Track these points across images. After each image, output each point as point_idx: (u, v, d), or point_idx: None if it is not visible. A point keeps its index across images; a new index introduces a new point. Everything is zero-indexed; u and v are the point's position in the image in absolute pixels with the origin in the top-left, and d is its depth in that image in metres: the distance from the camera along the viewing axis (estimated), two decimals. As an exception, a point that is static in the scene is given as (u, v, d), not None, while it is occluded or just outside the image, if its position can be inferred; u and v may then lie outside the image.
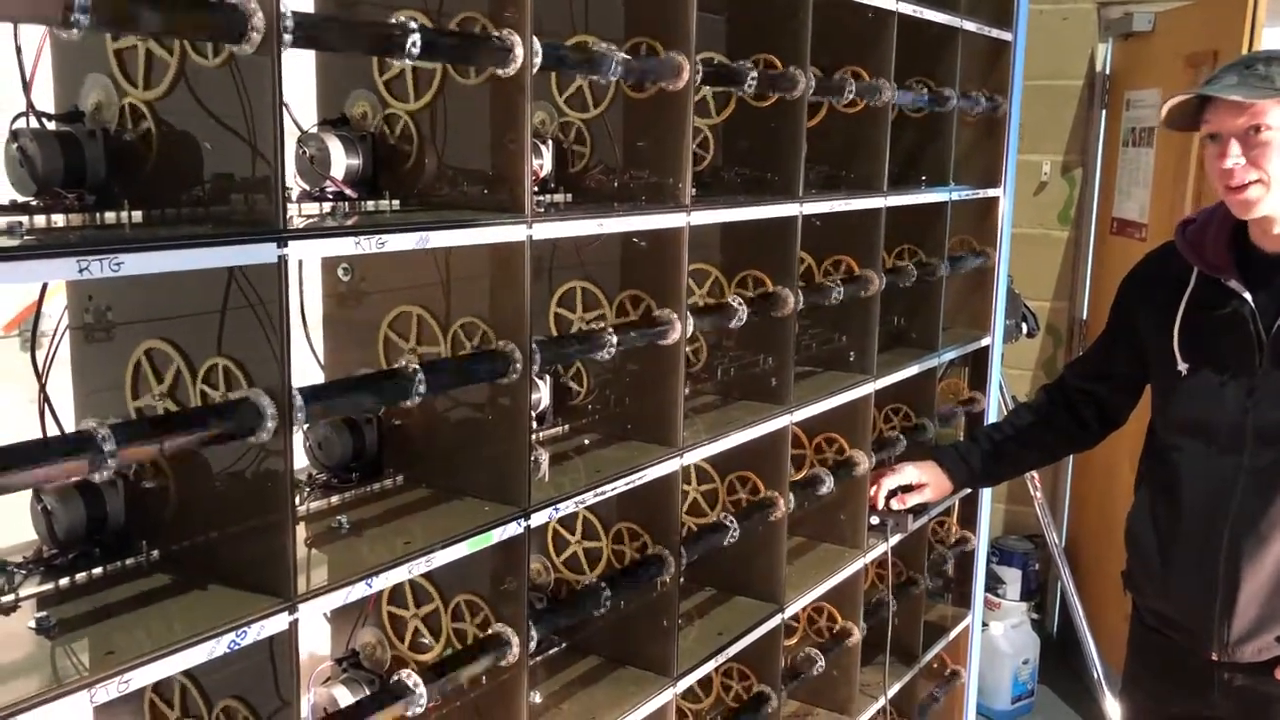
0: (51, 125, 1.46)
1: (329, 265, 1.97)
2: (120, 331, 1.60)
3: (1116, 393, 2.40)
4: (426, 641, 1.95)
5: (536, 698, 1.99)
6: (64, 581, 1.43)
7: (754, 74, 2.17)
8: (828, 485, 2.56)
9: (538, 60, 1.66)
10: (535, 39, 1.65)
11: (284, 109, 1.36)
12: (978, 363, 3.36)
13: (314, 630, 1.97)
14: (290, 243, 1.34)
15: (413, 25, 1.48)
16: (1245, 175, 1.92)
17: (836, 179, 2.68)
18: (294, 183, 1.74)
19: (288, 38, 1.32)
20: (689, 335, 2.06)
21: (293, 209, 1.51)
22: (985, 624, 4.11)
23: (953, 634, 3.38)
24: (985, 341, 3.30)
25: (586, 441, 2.09)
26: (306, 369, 1.90)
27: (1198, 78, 3.64)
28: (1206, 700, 2.13)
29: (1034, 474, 4.19)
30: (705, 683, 2.49)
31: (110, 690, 1.20)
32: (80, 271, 1.15)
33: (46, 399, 1.58)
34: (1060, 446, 2.71)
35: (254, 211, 1.38)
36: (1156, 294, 2.18)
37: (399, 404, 1.60)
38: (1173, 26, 4.11)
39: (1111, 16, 4.44)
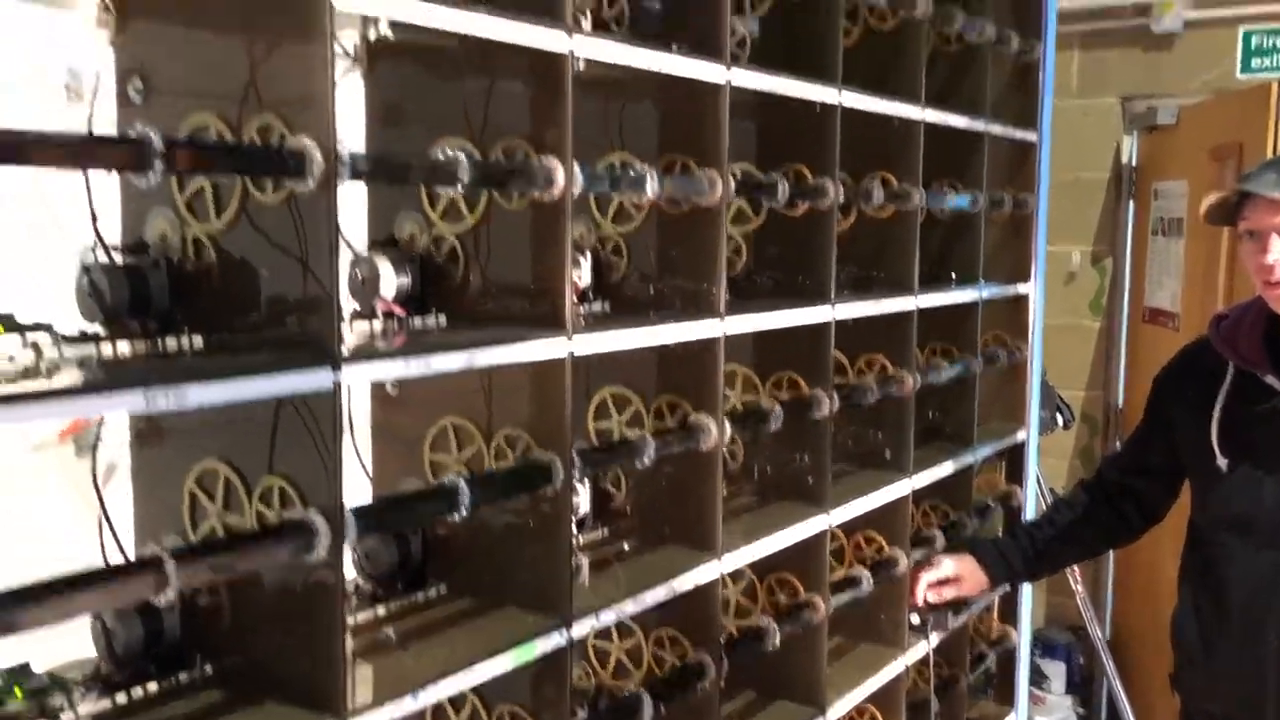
0: (119, 257, 1.54)
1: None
2: (175, 445, 1.66)
3: (1155, 487, 2.39)
4: (469, 751, 1.96)
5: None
6: (121, 699, 1.47)
7: (785, 186, 2.24)
8: (866, 585, 2.56)
9: (578, 186, 1.73)
10: (575, 164, 1.72)
11: (339, 237, 1.43)
12: (1014, 456, 3.36)
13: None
14: (344, 368, 1.40)
15: (461, 159, 1.56)
16: (1284, 271, 1.95)
17: (867, 279, 2.73)
18: (346, 302, 1.80)
19: (344, 174, 1.39)
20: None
21: (345, 328, 1.57)
22: (1030, 720, 4.04)
23: (997, 733, 3.33)
24: (1021, 436, 3.31)
25: (626, 547, 2.12)
26: (352, 473, 1.94)
27: (1223, 170, 3.69)
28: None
29: (1074, 566, 4.15)
30: (747, 788, 2.46)
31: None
32: (147, 404, 1.21)
33: (104, 511, 1.64)
34: (1100, 542, 2.69)
35: (309, 335, 1.44)
36: (1192, 389, 2.20)
37: (445, 518, 1.64)
38: (1197, 120, 4.17)
39: (1136, 110, 4.51)
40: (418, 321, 1.81)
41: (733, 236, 2.50)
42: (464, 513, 1.61)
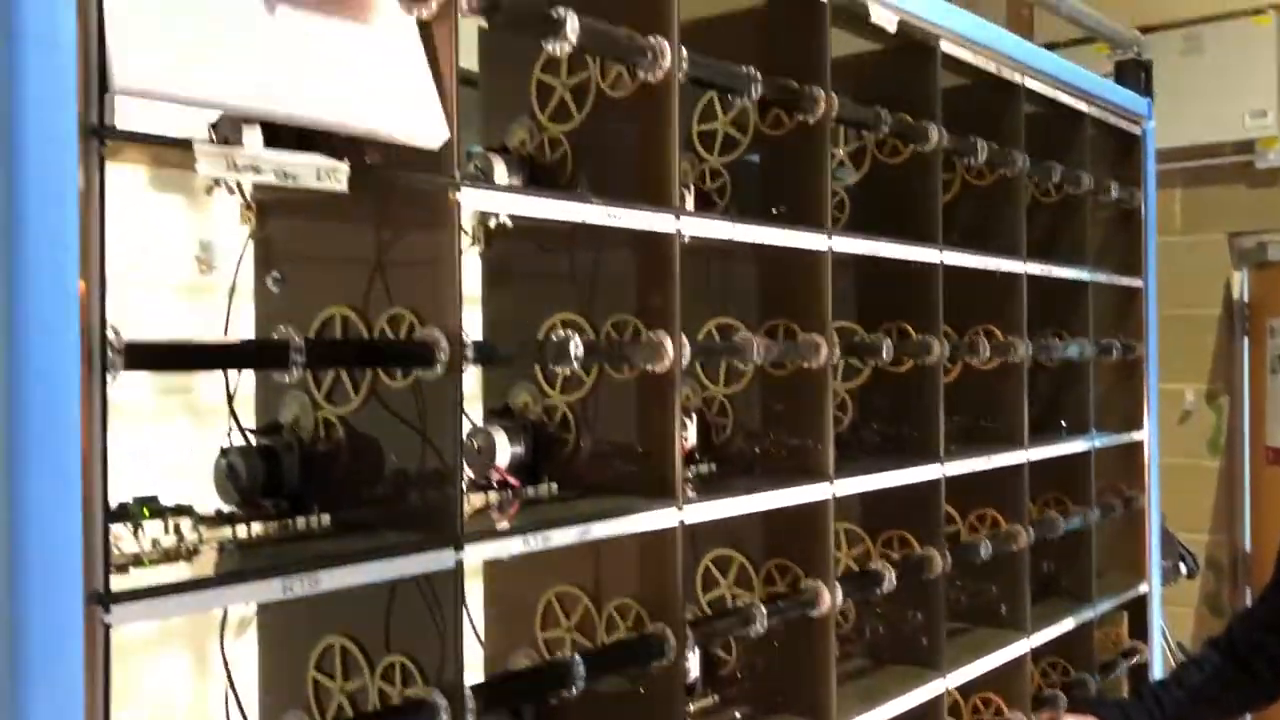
0: (254, 439, 1.62)
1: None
2: (299, 621, 1.71)
3: (1293, 647, 2.28)
4: None
5: None
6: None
7: (889, 345, 2.26)
8: (987, 752, 2.46)
9: (686, 357, 1.77)
10: (683, 337, 1.77)
11: (462, 418, 1.50)
12: (1136, 609, 3.23)
13: None
14: (467, 547, 1.44)
15: (575, 340, 1.62)
16: None
17: (975, 430, 2.70)
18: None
19: (468, 361, 1.46)
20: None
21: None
22: None
23: None
24: (1142, 589, 3.19)
25: (738, 715, 2.08)
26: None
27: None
28: None
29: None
30: None
31: None
32: (285, 592, 1.26)
33: (231, 685, 1.68)
34: (1235, 705, 2.55)
35: (430, 511, 1.49)
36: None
37: (561, 694, 1.64)
38: (1309, 255, 4.09)
39: (1245, 246, 4.45)
40: (530, 491, 1.85)
41: (838, 392, 2.52)
42: (578, 689, 1.61)
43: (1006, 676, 2.60)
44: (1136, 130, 3.24)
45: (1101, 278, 2.99)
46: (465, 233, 1.99)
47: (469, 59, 1.81)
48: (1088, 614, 2.88)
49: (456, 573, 1.44)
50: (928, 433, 2.39)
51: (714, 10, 2.15)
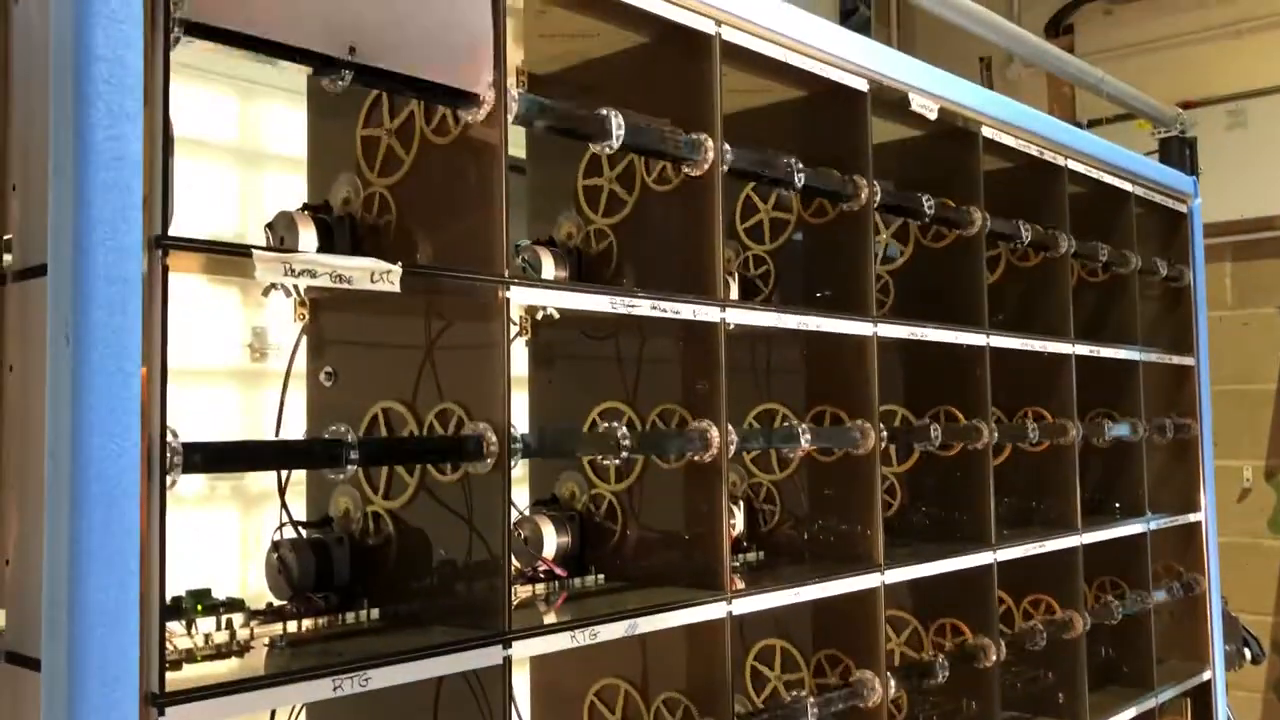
0: (305, 533, 1.64)
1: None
2: (349, 713, 1.70)
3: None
4: None
5: None
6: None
7: (937, 429, 2.24)
8: None
9: (733, 446, 1.77)
10: (730, 426, 1.77)
11: (512, 509, 1.50)
12: (1200, 697, 3.12)
13: None
14: (514, 643, 1.44)
15: (622, 431, 1.62)
16: None
17: (1028, 512, 2.66)
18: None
19: (517, 456, 1.47)
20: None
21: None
22: None
23: None
24: (1206, 675, 3.09)
25: (790, 811, 2.03)
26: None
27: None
28: None
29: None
30: None
31: None
32: (334, 690, 1.26)
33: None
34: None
35: (478, 604, 1.49)
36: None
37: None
38: (1366, 329, 4.02)
39: (1297, 319, 4.38)
40: (577, 581, 1.85)
41: (886, 476, 2.49)
42: (628, 787, 1.59)
43: (1067, 769, 2.53)
44: (1183, 208, 3.23)
45: (1153, 356, 2.95)
46: (513, 323, 2.02)
47: (517, 148, 1.85)
48: (1149, 702, 2.80)
49: (504, 669, 1.43)
50: (978, 517, 2.35)
51: (757, 102, 2.19)
